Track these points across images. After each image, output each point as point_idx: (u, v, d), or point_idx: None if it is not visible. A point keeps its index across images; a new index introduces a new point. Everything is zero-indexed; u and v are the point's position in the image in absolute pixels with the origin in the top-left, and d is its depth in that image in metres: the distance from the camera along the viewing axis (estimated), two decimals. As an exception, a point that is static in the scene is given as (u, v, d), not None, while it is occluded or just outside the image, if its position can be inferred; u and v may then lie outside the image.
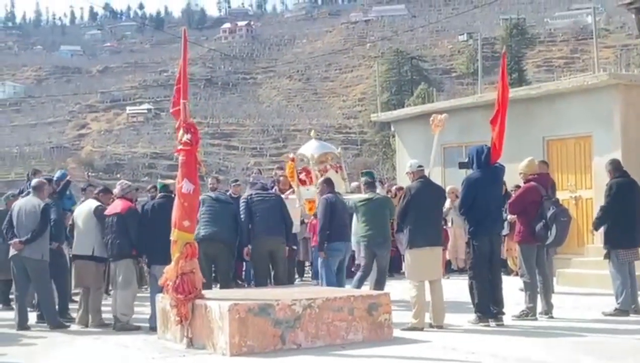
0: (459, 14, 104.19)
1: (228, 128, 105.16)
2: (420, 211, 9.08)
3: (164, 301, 8.40)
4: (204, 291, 8.27)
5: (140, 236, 9.60)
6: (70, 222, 10.98)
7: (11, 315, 10.16)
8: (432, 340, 8.12)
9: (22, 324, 9.70)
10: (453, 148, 16.69)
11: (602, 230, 10.33)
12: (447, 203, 13.46)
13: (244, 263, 12.94)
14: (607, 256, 10.03)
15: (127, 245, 9.64)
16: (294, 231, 12.99)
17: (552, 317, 9.52)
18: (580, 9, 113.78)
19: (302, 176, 12.33)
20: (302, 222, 13.35)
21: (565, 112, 14.91)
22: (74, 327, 9.91)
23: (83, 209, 10.37)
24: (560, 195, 12.96)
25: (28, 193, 10.47)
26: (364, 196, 10.74)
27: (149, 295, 9.91)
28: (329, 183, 10.76)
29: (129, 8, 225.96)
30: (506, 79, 9.67)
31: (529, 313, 9.43)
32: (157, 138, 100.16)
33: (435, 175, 13.45)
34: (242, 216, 10.87)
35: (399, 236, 10.46)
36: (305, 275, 15.57)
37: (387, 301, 8.34)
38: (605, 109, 14.14)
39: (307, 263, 15.64)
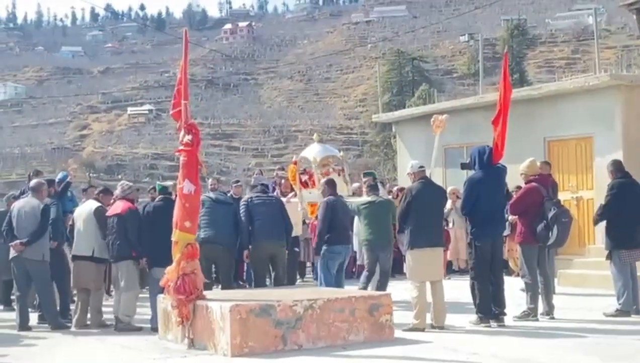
0: (460, 14, 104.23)
1: (229, 129, 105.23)
2: (422, 212, 9.07)
3: (165, 302, 8.40)
4: (204, 292, 8.27)
5: (140, 239, 9.60)
6: (70, 223, 10.97)
7: (12, 315, 10.17)
8: (433, 341, 8.12)
9: (24, 325, 9.69)
10: (454, 148, 16.68)
11: (603, 230, 10.32)
12: (448, 204, 13.46)
13: (245, 264, 12.94)
14: (609, 256, 10.03)
15: (127, 246, 9.62)
16: (295, 234, 13.00)
17: (553, 318, 9.51)
18: (582, 10, 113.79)
19: (305, 179, 12.35)
20: (304, 223, 13.35)
21: (566, 113, 14.91)
22: (74, 328, 9.90)
23: (83, 210, 10.33)
24: (562, 196, 12.95)
25: (27, 194, 10.44)
26: (366, 199, 10.72)
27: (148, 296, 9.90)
28: (330, 184, 10.75)
29: (130, 9, 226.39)
30: (508, 79, 9.66)
31: (530, 314, 9.42)
32: (158, 138, 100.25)
33: (436, 176, 13.46)
34: (242, 218, 10.88)
35: (400, 237, 10.46)
36: (306, 276, 15.57)
37: (389, 302, 8.33)
38: (607, 109, 14.14)
39: (308, 264, 15.64)
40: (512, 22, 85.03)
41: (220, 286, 10.96)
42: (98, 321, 9.91)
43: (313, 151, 12.42)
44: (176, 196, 8.56)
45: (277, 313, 7.59)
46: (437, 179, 12.94)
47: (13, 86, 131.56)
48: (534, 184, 9.77)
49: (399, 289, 10.56)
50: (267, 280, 11.75)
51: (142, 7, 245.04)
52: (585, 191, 14.42)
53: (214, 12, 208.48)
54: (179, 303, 7.91)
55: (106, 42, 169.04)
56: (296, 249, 13.84)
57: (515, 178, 10.55)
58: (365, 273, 10.65)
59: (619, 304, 9.75)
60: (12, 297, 10.93)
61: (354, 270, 14.74)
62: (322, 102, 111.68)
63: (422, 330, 8.76)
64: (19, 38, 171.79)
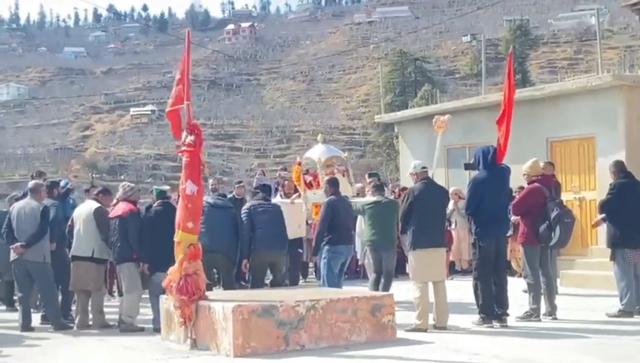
0: (462, 15, 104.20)
1: (232, 129, 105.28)
2: (424, 212, 9.07)
3: (167, 302, 8.41)
4: (207, 293, 8.27)
5: (140, 241, 9.58)
6: (69, 223, 10.93)
7: (15, 316, 10.18)
8: (436, 341, 8.11)
9: (26, 325, 9.70)
10: (456, 149, 16.68)
11: (603, 231, 10.31)
12: (450, 205, 13.46)
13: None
14: (613, 257, 10.02)
15: (128, 248, 9.62)
16: (299, 235, 13.00)
17: (556, 318, 9.51)
18: (584, 10, 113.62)
19: (309, 180, 12.35)
20: (307, 223, 13.35)
21: (569, 113, 14.91)
22: (77, 329, 9.90)
23: (83, 211, 10.23)
24: (564, 196, 12.94)
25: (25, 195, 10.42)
26: (372, 199, 10.69)
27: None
28: (332, 183, 10.73)
29: (132, 9, 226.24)
30: (512, 79, 9.66)
31: (532, 314, 9.42)
32: (160, 139, 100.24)
33: (439, 176, 13.45)
34: (244, 225, 10.83)
35: (402, 238, 10.45)
36: (309, 277, 15.57)
37: (391, 303, 8.34)
38: (609, 110, 14.13)
39: (310, 264, 15.64)
40: (515, 22, 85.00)
41: (221, 287, 10.94)
42: (100, 322, 9.91)
43: (317, 152, 12.42)
44: (178, 197, 8.55)
45: (280, 313, 7.60)
46: (439, 180, 12.94)
47: (16, 87, 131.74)
48: (536, 184, 9.77)
49: (402, 289, 10.56)
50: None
51: (145, 8, 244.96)
52: (587, 192, 14.41)
53: (216, 13, 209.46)
54: (182, 303, 7.92)
55: (109, 42, 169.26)
56: (300, 250, 13.83)
57: (517, 179, 10.54)
58: (372, 276, 10.64)
59: (622, 305, 9.75)
60: (15, 298, 10.94)
61: (357, 269, 14.76)
62: (325, 103, 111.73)
63: (425, 330, 8.76)
64: (21, 39, 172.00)
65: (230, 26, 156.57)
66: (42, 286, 9.92)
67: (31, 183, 10.36)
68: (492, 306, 8.99)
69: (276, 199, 13.06)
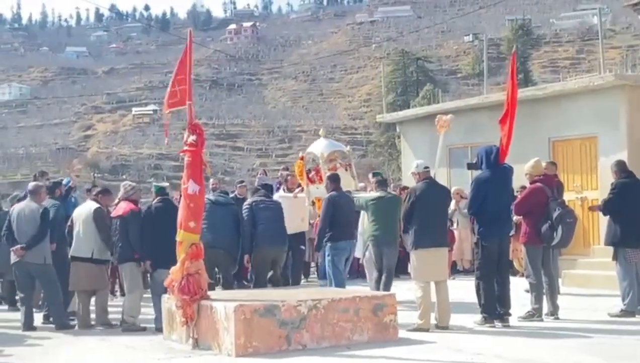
0: (464, 14, 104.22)
1: (233, 129, 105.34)
2: (426, 212, 9.06)
3: (169, 302, 8.41)
4: (208, 293, 8.27)
5: (141, 241, 9.57)
6: (69, 223, 10.92)
7: (17, 315, 10.17)
8: (438, 341, 8.11)
9: (28, 325, 9.70)
10: (458, 148, 16.67)
11: (604, 232, 10.30)
12: (452, 204, 13.45)
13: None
14: (615, 257, 10.02)
15: (129, 248, 9.62)
16: (302, 229, 13.01)
17: (558, 318, 9.50)
18: (586, 10, 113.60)
19: (312, 174, 12.34)
20: (309, 223, 13.35)
21: (571, 113, 14.89)
22: (79, 328, 9.90)
23: (83, 211, 10.18)
24: (566, 196, 12.94)
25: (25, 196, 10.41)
26: (375, 194, 10.67)
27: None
28: (333, 178, 10.73)
29: (134, 9, 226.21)
30: (515, 79, 9.65)
31: (534, 314, 9.41)
32: (162, 139, 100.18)
33: (441, 176, 13.43)
34: (245, 221, 10.87)
35: (404, 237, 10.45)
36: (310, 276, 15.56)
37: (393, 302, 8.33)
38: (611, 109, 14.12)
39: (312, 264, 15.64)
40: (517, 22, 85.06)
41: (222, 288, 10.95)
42: (103, 320, 9.91)
43: (320, 146, 12.39)
44: (180, 196, 8.55)
45: (282, 313, 7.60)
46: (442, 180, 12.92)
47: (18, 87, 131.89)
48: (538, 184, 9.76)
49: (403, 289, 10.56)
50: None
51: (147, 8, 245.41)
52: (589, 192, 14.39)
53: (218, 13, 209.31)
54: (184, 303, 7.92)
55: (111, 42, 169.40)
56: (302, 247, 13.79)
57: (520, 178, 10.54)
58: (374, 274, 10.64)
59: (624, 304, 9.74)
60: (17, 297, 10.94)
61: (359, 269, 14.74)
62: (327, 103, 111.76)
63: (427, 330, 8.75)
64: (23, 38, 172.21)
65: (232, 26, 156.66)
66: (45, 286, 9.93)
67: (31, 185, 10.31)
68: (494, 306, 8.98)
69: (279, 193, 13.08)
